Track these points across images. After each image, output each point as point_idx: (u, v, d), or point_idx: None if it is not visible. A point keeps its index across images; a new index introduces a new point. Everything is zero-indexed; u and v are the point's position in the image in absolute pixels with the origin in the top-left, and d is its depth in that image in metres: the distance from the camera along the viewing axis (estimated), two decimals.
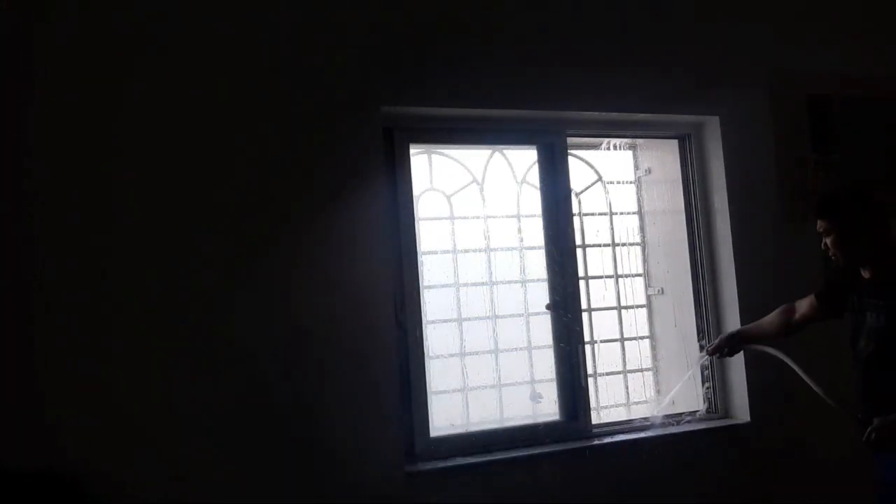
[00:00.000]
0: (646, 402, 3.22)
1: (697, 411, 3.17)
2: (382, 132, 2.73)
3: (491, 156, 3.10)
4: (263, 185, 2.54)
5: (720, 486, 2.99)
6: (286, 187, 2.56)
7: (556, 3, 2.98)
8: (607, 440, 2.95)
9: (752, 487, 3.02)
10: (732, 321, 3.11)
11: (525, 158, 3.12)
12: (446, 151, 3.04)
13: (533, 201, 3.10)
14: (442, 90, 2.79)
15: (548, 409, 3.02)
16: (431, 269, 2.94)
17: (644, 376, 3.28)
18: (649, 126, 3.25)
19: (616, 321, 3.27)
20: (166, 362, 2.38)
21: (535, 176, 3.10)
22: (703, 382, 3.18)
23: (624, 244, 3.33)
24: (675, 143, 3.31)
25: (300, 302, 2.54)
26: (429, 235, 2.96)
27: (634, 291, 3.33)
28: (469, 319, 2.99)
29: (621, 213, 3.34)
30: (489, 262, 3.04)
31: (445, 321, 2.95)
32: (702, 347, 3.11)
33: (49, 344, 2.30)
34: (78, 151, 2.38)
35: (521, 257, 3.08)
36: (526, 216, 3.11)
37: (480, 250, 3.04)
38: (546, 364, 3.04)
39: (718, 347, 2.79)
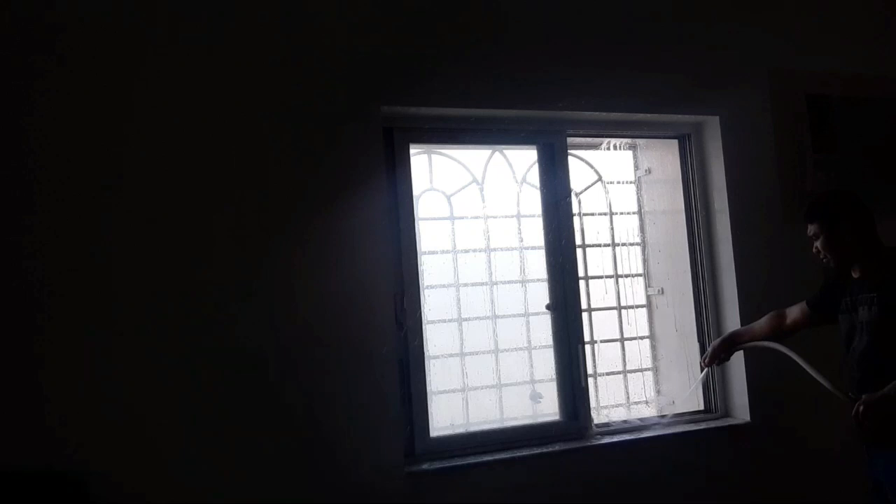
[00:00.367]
0: (646, 402, 3.23)
1: (697, 411, 3.18)
2: (382, 132, 2.73)
3: (491, 156, 3.10)
4: (264, 185, 2.55)
5: (720, 486, 2.99)
6: (287, 187, 2.57)
7: (556, 4, 2.98)
8: (607, 440, 2.94)
9: (751, 487, 3.03)
10: (732, 321, 3.11)
11: (525, 158, 3.12)
12: (446, 151, 3.05)
13: (533, 201, 3.11)
14: (442, 90, 2.79)
15: (548, 409, 3.02)
16: (431, 269, 2.94)
17: (644, 376, 3.28)
18: (649, 126, 3.25)
19: (616, 321, 3.27)
20: (166, 362, 2.39)
21: (535, 176, 3.10)
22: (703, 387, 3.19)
23: (624, 244, 3.33)
24: (674, 143, 3.31)
25: (300, 302, 2.54)
26: (429, 235, 2.96)
27: (634, 291, 3.33)
28: (469, 319, 2.99)
29: (621, 213, 3.34)
30: (489, 262, 3.05)
31: (445, 321, 2.95)
32: (702, 347, 3.11)
33: (49, 344, 2.30)
34: (78, 151, 2.38)
35: (521, 257, 3.08)
36: (526, 216, 3.11)
37: (480, 250, 3.05)
38: (546, 364, 3.04)
39: (715, 355, 2.77)
